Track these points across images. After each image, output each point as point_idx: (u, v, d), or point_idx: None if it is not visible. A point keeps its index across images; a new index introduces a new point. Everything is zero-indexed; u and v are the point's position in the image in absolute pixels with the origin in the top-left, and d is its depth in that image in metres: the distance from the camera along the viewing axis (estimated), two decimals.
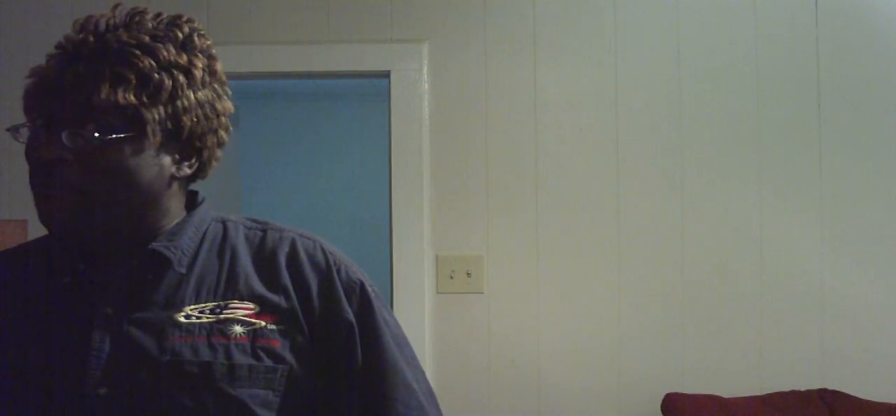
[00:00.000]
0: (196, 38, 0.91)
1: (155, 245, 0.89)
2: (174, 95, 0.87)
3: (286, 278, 0.92)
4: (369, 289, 0.96)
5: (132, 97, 0.83)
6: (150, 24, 0.89)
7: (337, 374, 0.91)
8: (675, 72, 2.13)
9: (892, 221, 2.10)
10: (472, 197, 2.14)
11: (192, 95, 0.89)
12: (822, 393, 1.98)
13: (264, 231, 0.97)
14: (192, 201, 0.98)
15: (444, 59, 2.15)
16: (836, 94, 2.11)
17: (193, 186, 0.99)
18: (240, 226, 0.98)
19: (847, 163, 2.11)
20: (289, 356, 0.88)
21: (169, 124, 0.87)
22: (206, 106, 0.91)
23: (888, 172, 2.11)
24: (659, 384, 2.06)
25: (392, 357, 0.93)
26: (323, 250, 0.96)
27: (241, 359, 0.85)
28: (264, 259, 0.93)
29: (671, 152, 2.12)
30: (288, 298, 0.90)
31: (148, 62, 0.85)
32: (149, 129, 0.85)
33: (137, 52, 0.84)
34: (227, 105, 0.95)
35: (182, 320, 0.86)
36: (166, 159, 0.89)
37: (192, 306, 0.88)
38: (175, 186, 0.92)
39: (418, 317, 2.11)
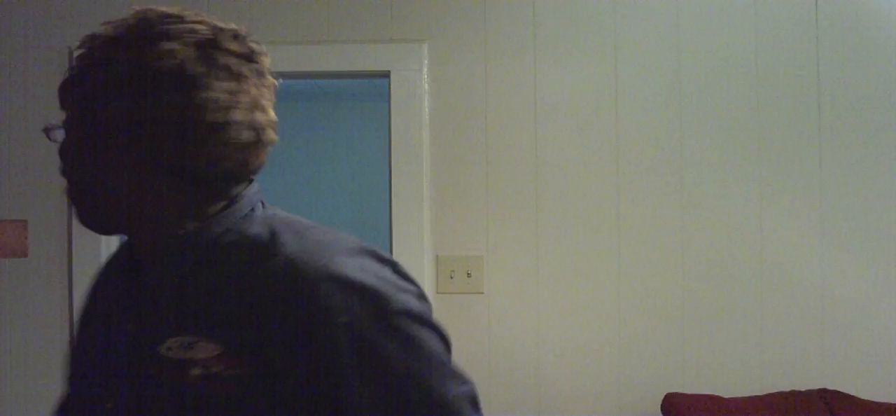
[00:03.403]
0: None
1: (150, 269, 0.87)
2: None
3: (269, 312, 0.81)
4: (354, 332, 0.81)
5: None
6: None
7: None
8: (675, 72, 2.13)
9: (892, 221, 2.10)
10: (472, 197, 2.14)
11: None
12: (822, 393, 1.98)
13: (268, 250, 0.85)
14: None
15: (444, 59, 2.15)
16: (836, 94, 2.11)
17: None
18: (254, 240, 0.87)
19: (847, 163, 2.11)
20: (250, 402, 0.80)
21: None
22: None
23: (888, 173, 2.11)
24: (659, 384, 2.06)
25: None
26: (320, 280, 0.81)
27: (196, 403, 0.80)
28: (252, 287, 0.83)
29: (671, 152, 2.12)
30: (261, 335, 0.81)
31: None
32: None
33: None
34: None
35: (162, 351, 0.83)
36: None
37: (173, 339, 0.83)
38: None
39: None
